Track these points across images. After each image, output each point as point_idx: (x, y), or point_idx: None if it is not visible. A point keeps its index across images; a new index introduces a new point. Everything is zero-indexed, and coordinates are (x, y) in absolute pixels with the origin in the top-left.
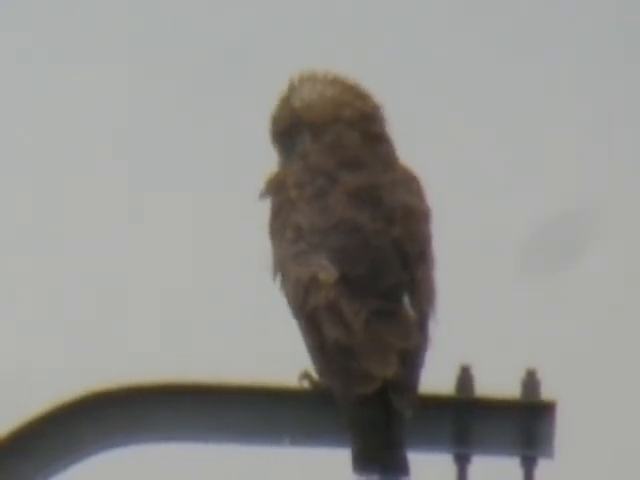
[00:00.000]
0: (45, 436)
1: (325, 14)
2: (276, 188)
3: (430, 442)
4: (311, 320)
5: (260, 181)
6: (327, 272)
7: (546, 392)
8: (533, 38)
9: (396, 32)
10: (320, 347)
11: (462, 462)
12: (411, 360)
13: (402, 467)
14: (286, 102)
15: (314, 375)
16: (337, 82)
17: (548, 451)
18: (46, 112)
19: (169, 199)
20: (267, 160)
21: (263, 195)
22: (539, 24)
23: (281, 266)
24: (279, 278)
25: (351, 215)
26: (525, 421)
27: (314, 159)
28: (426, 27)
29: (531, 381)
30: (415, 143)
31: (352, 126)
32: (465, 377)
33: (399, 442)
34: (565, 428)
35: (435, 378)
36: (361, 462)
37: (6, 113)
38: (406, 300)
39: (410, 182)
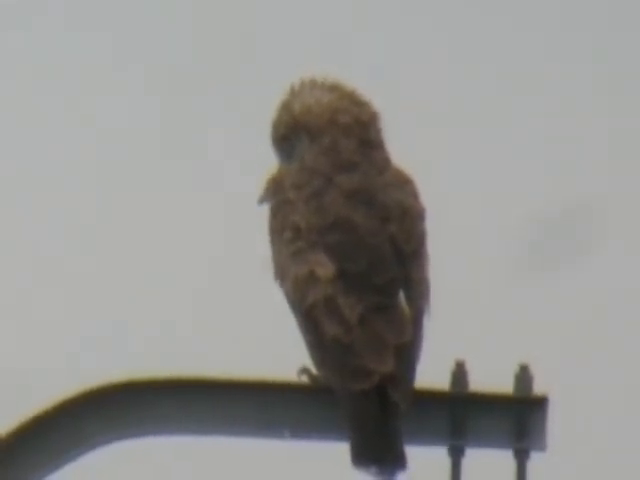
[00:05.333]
0: (52, 428)
1: (324, 15)
2: (274, 189)
3: (426, 435)
4: (309, 316)
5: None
6: (325, 268)
7: (538, 387)
8: (533, 37)
9: (395, 31)
10: (318, 343)
11: (456, 454)
12: (407, 354)
13: (400, 460)
14: (286, 107)
15: (313, 370)
16: (335, 88)
17: (540, 444)
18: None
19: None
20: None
21: (263, 196)
22: (539, 23)
23: (281, 265)
24: (279, 277)
25: (347, 214)
26: (518, 415)
27: (311, 161)
28: (424, 27)
29: (524, 376)
30: (415, 143)
31: (347, 132)
32: (460, 372)
33: (397, 435)
34: (557, 422)
35: (431, 373)
36: (360, 455)
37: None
38: (401, 296)
39: (404, 184)
